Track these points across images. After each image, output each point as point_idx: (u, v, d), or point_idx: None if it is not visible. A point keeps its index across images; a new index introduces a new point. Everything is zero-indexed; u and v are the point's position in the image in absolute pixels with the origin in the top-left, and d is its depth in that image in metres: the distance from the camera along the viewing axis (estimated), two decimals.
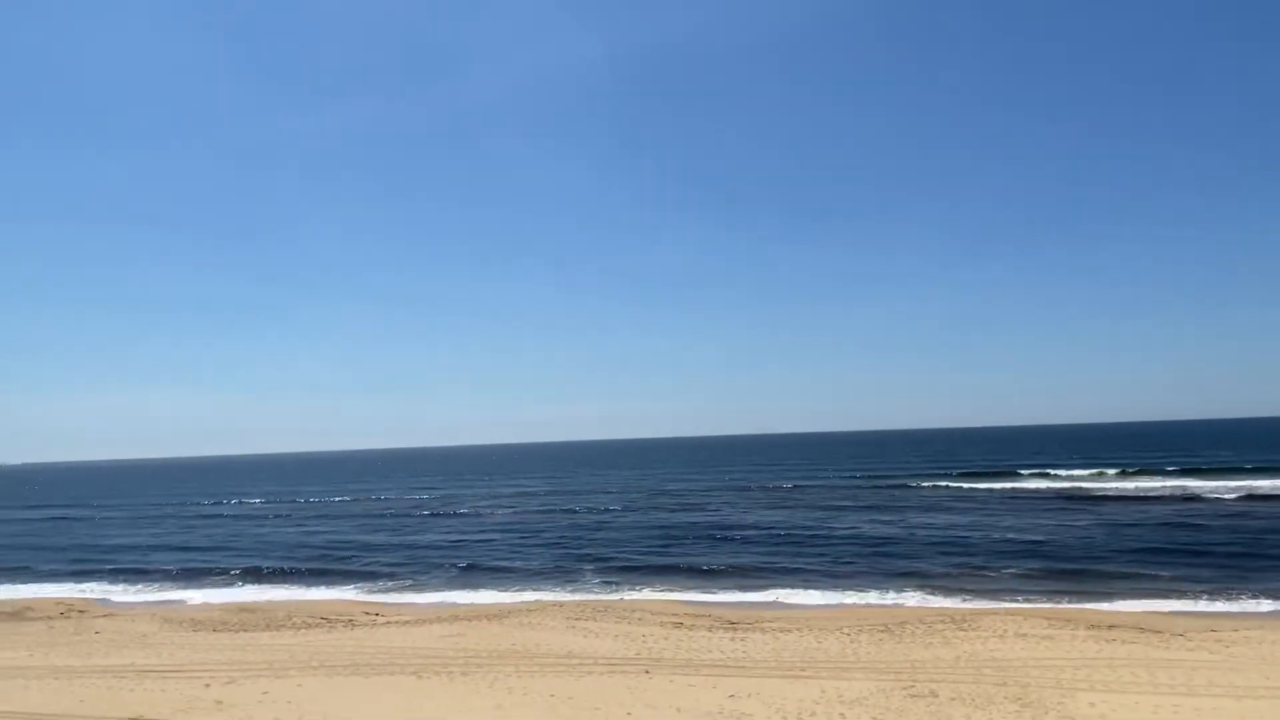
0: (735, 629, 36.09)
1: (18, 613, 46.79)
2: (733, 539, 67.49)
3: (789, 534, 68.74)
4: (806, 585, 47.11)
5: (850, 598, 43.93)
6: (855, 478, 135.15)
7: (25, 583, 60.33)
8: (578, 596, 46.67)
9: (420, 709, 25.84)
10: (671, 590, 47.66)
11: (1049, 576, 47.31)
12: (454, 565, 59.86)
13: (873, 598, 43.94)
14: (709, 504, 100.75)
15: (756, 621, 37.79)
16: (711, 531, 72.97)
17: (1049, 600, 41.39)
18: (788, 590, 46.07)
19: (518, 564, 59.39)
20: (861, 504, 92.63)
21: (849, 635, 34.16)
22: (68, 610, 47.22)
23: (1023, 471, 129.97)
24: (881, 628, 35.56)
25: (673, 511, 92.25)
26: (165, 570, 63.07)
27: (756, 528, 73.83)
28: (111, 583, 59.08)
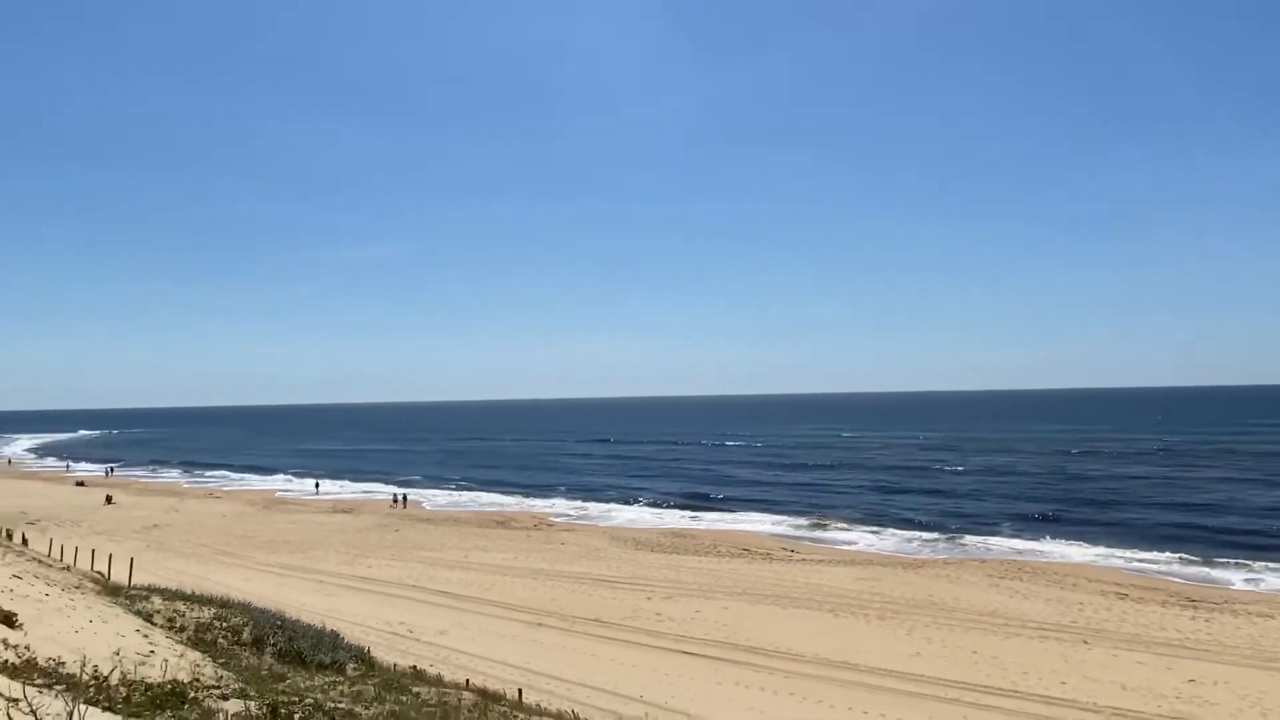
0: (1196, 607, 31.48)
1: (504, 522, 57.07)
2: (1180, 505, 58.88)
3: (1261, 504, 57.84)
4: None
5: None
6: None
7: (503, 494, 73.63)
8: (994, 552, 44.18)
9: (837, 645, 26.60)
10: (1108, 556, 42.98)
11: None
12: (859, 508, 60.43)
13: None
14: (1144, 465, 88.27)
15: (1225, 602, 32.53)
16: (1151, 495, 64.48)
17: None
18: (1264, 570, 38.93)
19: (921, 511, 58.02)
20: None
21: None
22: (539, 523, 56.48)
23: None
24: None
25: (1099, 469, 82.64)
26: (608, 494, 72.59)
27: (1207, 497, 63.30)
28: (567, 499, 69.67)
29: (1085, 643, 26.67)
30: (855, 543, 48.51)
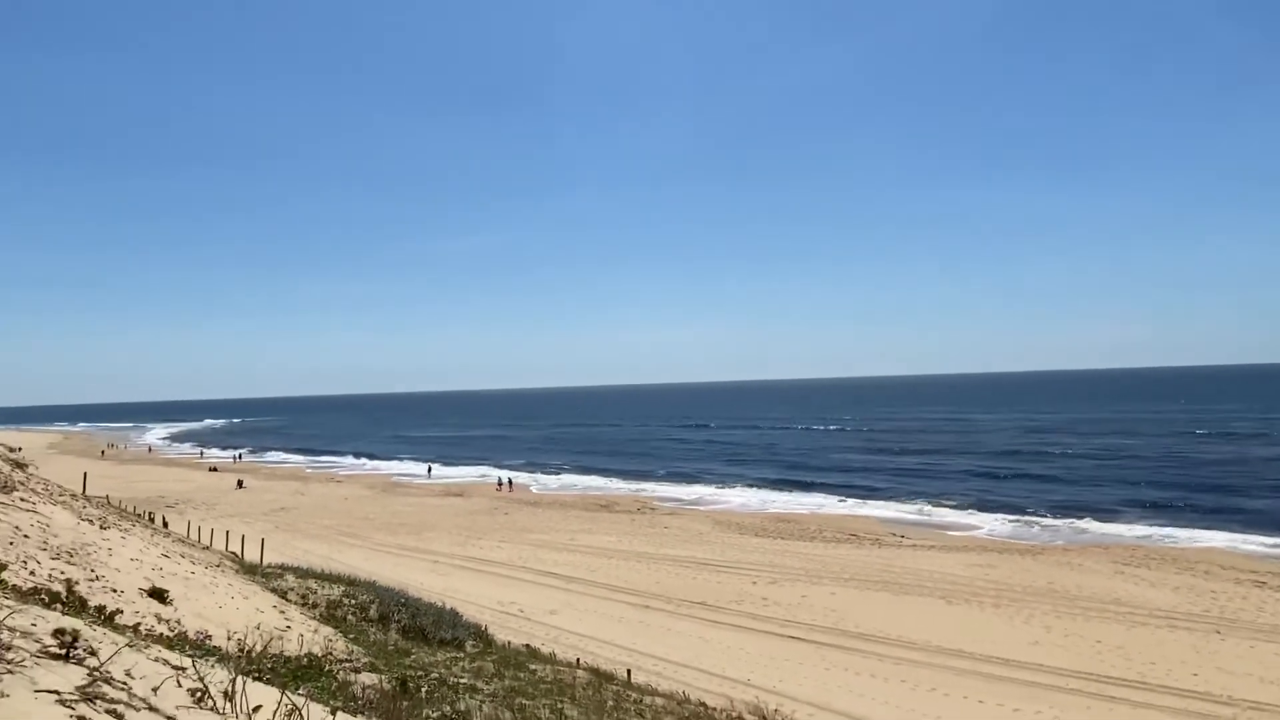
0: None
1: (608, 506, 57.88)
2: None
3: None
4: None
5: None
6: None
7: (604, 478, 74.66)
8: (1117, 538, 42.10)
9: (951, 632, 25.97)
10: (1243, 543, 40.35)
11: None
12: (970, 493, 58.61)
13: None
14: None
15: None
16: None
17: None
18: None
19: (1036, 496, 55.75)
20: None
21: None
22: (642, 507, 57.03)
23: None
24: None
25: (1230, 451, 77.35)
26: (709, 478, 72.65)
27: None
28: (668, 483, 70.00)
29: (1218, 633, 25.28)
30: (967, 528, 47.16)
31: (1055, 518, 49.12)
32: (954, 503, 55.72)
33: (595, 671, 17.26)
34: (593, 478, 77.92)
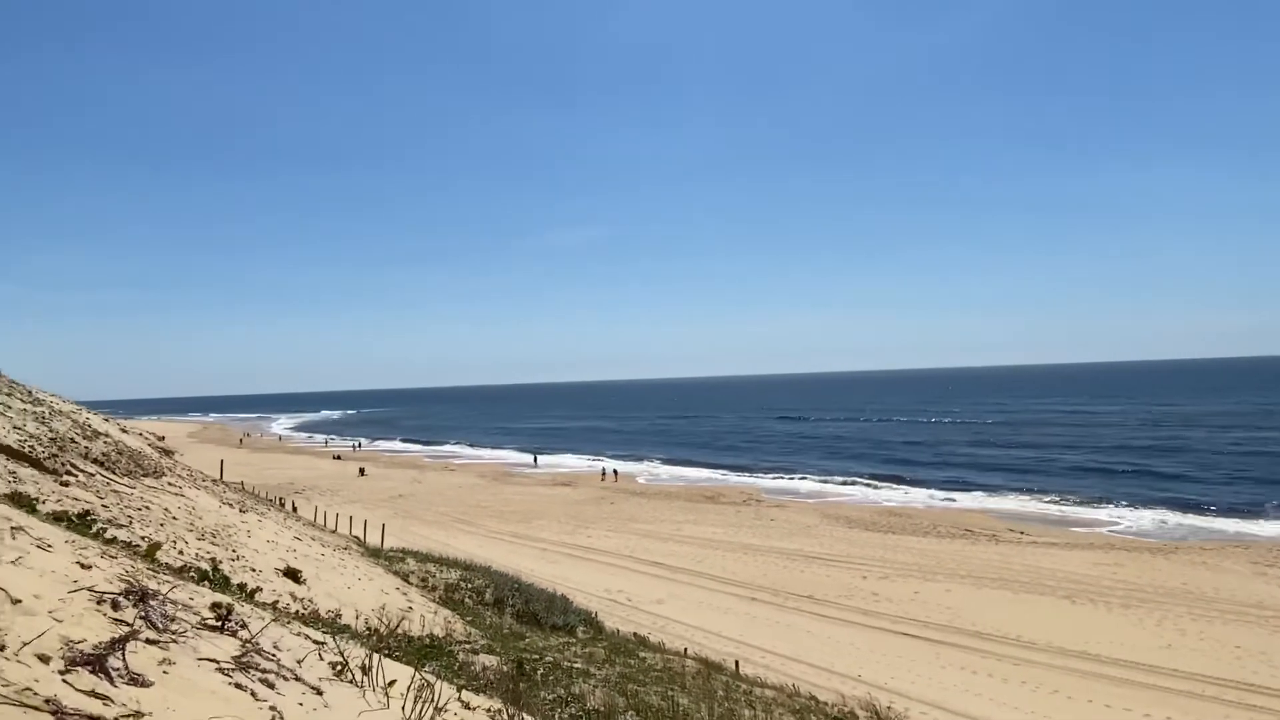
0: None
1: (713, 497, 57.82)
2: None
3: None
4: None
5: None
6: None
7: (710, 470, 74.68)
8: (1258, 537, 39.26)
9: (1075, 633, 24.84)
10: None
11: None
12: (1092, 488, 55.77)
13: None
14: None
15: None
16: None
17: None
18: None
19: (1164, 491, 52.54)
20: None
21: None
22: (748, 499, 56.74)
23: None
24: None
25: None
26: (815, 470, 71.58)
27: None
28: (774, 475, 69.34)
29: None
30: (1091, 524, 44.93)
31: (1186, 514, 46.31)
32: (1075, 498, 53.18)
33: (704, 661, 17.32)
34: (696, 469, 78.06)
